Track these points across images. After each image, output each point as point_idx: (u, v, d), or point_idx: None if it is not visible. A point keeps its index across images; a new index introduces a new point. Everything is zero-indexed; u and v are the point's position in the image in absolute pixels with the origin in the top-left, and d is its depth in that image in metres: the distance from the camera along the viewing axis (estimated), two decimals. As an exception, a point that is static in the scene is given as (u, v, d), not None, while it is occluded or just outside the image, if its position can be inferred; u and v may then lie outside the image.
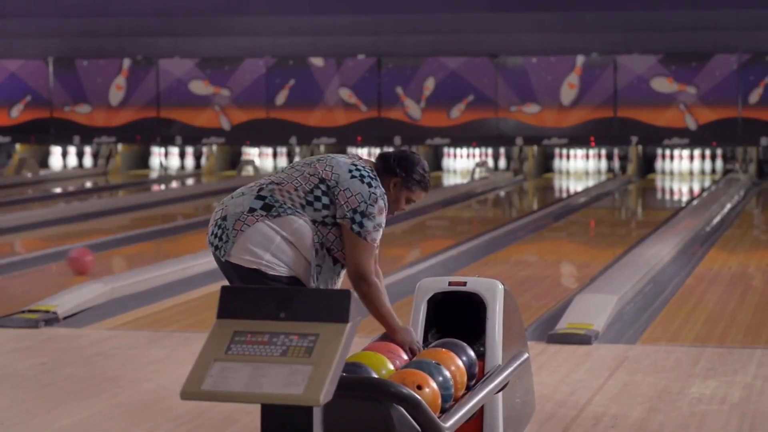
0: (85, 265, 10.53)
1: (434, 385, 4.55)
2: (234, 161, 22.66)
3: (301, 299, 4.04)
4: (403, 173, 5.05)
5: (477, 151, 21.84)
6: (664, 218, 14.51)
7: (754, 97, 20.27)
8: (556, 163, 21.72)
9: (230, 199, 5.02)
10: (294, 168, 5.02)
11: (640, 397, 6.34)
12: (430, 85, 21.24)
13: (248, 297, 4.10)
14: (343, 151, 22.18)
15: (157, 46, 22.47)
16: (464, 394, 4.83)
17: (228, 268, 4.94)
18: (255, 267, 4.85)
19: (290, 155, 22.26)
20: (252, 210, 4.91)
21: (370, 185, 4.92)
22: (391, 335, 5.02)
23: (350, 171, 4.94)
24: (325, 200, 4.91)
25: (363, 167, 4.98)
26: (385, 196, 4.98)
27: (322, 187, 4.92)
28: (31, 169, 22.15)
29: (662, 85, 20.46)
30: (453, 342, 5.05)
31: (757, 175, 20.60)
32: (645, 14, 21.02)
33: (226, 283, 4.96)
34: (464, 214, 16.72)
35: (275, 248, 4.87)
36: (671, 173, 21.16)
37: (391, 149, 21.68)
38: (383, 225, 4.96)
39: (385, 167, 5.06)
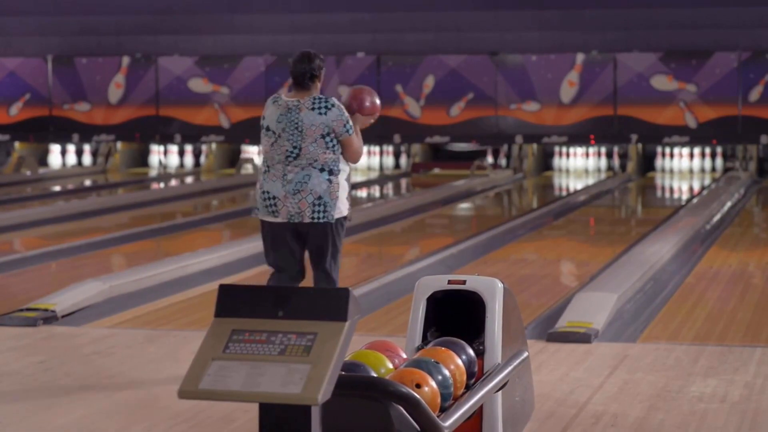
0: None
1: (433, 383, 4.53)
2: (233, 159, 22.64)
3: (299, 297, 4.02)
4: None
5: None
6: (664, 216, 14.49)
7: (755, 95, 20.24)
8: (556, 161, 21.70)
9: None
10: None
11: (640, 395, 6.32)
12: (429, 83, 21.22)
13: (246, 295, 4.08)
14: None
15: (157, 44, 22.44)
16: (464, 393, 4.81)
17: None
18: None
19: (290, 153, 22.20)
20: None
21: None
22: None
23: None
24: None
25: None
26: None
27: None
28: (30, 168, 22.13)
29: (662, 83, 20.43)
30: (452, 340, 5.03)
31: (757, 173, 20.59)
32: (645, 12, 20.99)
33: (225, 281, 4.94)
34: (464, 212, 16.70)
35: None
36: (671, 171, 21.14)
37: (390, 148, 21.88)
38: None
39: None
